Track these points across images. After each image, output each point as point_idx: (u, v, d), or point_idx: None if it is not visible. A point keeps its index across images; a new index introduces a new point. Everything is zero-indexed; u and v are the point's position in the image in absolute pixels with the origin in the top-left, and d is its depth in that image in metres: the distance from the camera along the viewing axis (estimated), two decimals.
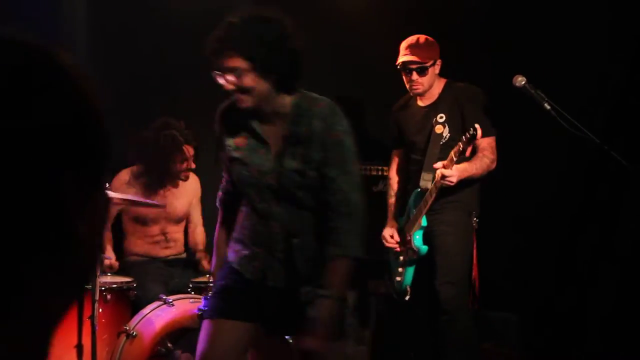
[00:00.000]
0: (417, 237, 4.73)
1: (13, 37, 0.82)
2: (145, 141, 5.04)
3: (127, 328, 4.11)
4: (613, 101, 5.04)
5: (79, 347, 4.05)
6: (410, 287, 4.85)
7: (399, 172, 5.06)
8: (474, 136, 4.25)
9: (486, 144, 4.56)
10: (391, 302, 5.10)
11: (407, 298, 4.86)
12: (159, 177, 5.08)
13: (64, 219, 0.79)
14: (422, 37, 4.74)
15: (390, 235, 4.90)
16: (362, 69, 5.84)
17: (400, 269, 4.88)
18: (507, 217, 5.25)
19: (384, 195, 5.46)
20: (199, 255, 5.18)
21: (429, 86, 4.74)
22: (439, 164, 4.45)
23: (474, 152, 4.55)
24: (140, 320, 4.16)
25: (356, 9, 5.92)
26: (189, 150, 5.07)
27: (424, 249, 4.71)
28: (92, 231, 0.83)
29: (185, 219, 5.32)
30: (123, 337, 4.11)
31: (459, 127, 4.61)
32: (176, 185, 5.16)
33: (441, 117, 4.67)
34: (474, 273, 4.64)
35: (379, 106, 5.89)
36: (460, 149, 4.32)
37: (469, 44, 5.54)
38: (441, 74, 4.81)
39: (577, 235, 5.15)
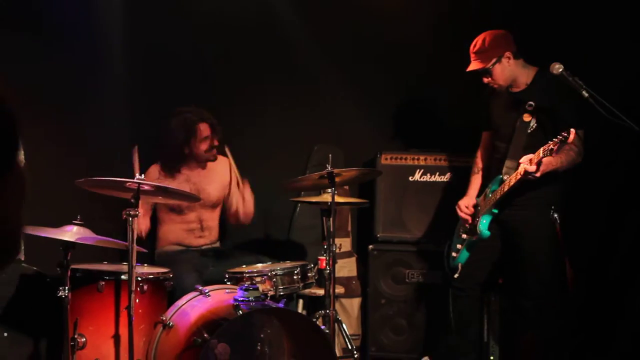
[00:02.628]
0: (484, 221, 4.77)
1: None
2: (164, 133, 5.11)
3: (164, 318, 4.14)
4: None
5: (116, 337, 4.10)
6: (463, 265, 4.91)
7: (485, 152, 5.06)
8: (566, 138, 4.16)
9: (572, 137, 4.39)
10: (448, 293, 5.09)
11: (456, 276, 4.95)
12: (179, 162, 5.13)
13: None
14: (480, 39, 4.73)
15: (465, 205, 4.93)
16: (394, 58, 5.82)
17: (459, 246, 4.96)
18: None
19: (420, 184, 5.47)
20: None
21: (505, 80, 4.72)
22: (524, 159, 4.39)
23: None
24: (177, 310, 4.18)
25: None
26: (205, 129, 5.09)
27: (486, 234, 4.76)
28: (9, 209, 0.86)
29: (220, 205, 5.33)
30: (159, 328, 4.13)
31: (547, 117, 4.58)
32: (204, 167, 5.20)
33: (530, 106, 4.62)
34: (567, 265, 4.55)
35: (410, 98, 5.88)
36: (550, 147, 4.22)
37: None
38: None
39: (616, 225, 5.08)
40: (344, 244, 5.77)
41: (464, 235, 4.94)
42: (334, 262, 4.58)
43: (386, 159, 5.68)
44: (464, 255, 4.92)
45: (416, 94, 5.89)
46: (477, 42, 4.73)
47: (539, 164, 4.33)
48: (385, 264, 5.62)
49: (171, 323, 4.09)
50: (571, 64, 4.21)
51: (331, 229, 4.58)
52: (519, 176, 4.45)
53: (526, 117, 4.63)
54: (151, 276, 4.37)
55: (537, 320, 4.74)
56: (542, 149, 4.28)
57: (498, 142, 4.85)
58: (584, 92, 4.07)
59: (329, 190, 4.56)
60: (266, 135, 5.89)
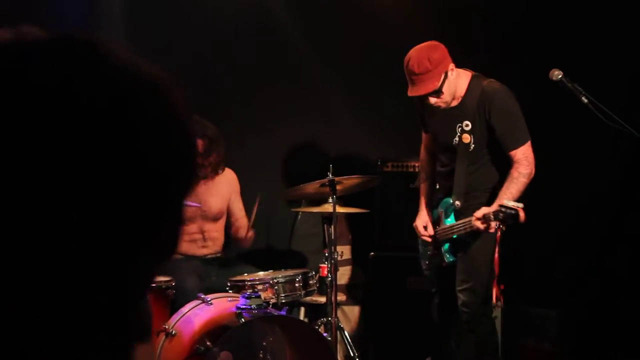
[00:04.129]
0: (447, 248, 4.66)
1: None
2: None
3: (167, 327, 4.14)
4: None
5: None
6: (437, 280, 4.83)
7: (430, 154, 4.83)
8: (515, 217, 4.05)
9: (521, 155, 4.32)
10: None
11: (433, 290, 4.86)
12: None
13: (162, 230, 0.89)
14: (422, 58, 4.28)
15: (423, 226, 4.73)
16: (394, 65, 5.83)
17: (427, 262, 4.85)
18: (546, 213, 5.20)
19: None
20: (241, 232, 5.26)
21: (451, 95, 4.39)
22: (478, 213, 4.23)
23: (504, 163, 4.39)
24: (179, 319, 4.19)
25: (388, 6, 5.90)
26: (199, 144, 5.06)
27: (451, 259, 4.62)
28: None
29: (222, 217, 5.34)
30: (162, 336, 4.14)
31: (485, 137, 4.40)
32: (211, 179, 5.21)
33: (467, 125, 4.40)
34: (495, 275, 4.46)
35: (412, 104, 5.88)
36: (500, 217, 4.09)
37: (505, 38, 5.51)
38: (475, 66, 4.64)
39: (617, 229, 5.09)
40: (345, 251, 5.78)
41: (429, 252, 4.79)
42: (336, 270, 4.59)
43: (387, 166, 5.69)
44: (435, 270, 4.81)
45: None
46: (420, 62, 4.27)
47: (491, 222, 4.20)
48: (385, 270, 5.63)
49: (174, 331, 4.10)
50: (572, 66, 4.22)
51: (332, 237, 4.59)
52: (474, 226, 4.30)
53: (465, 139, 4.42)
54: (153, 284, 4.38)
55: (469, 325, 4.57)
56: (492, 211, 4.13)
57: (440, 153, 4.66)
58: (583, 99, 4.08)
59: (330, 200, 4.59)
60: (267, 143, 5.90)
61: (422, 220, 4.76)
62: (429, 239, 4.72)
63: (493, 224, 4.19)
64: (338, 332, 4.63)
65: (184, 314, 4.21)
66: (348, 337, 4.84)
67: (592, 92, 4.07)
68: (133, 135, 0.83)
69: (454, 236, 4.55)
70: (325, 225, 4.70)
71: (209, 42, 5.78)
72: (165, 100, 0.89)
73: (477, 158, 4.46)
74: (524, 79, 5.13)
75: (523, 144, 4.33)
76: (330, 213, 4.59)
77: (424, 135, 4.85)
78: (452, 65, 4.33)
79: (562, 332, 5.18)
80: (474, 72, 4.48)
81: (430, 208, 4.80)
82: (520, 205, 4.06)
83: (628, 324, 4.96)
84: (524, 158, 4.32)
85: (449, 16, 5.69)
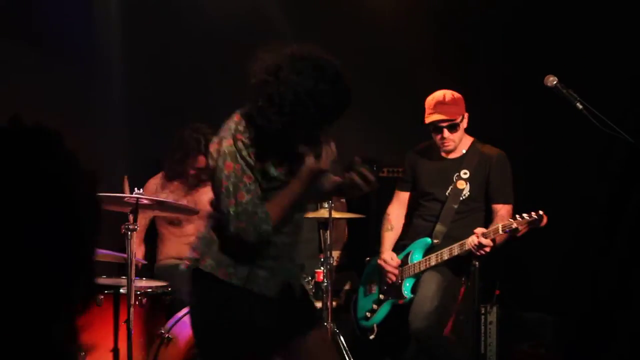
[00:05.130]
0: (408, 284, 4.73)
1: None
2: (174, 139, 5.13)
3: (163, 331, 4.15)
4: None
5: (115, 351, 4.10)
6: (378, 326, 4.85)
7: (399, 211, 5.01)
8: (537, 221, 4.20)
9: (505, 212, 4.57)
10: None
11: (371, 337, 4.87)
12: (174, 174, 5.14)
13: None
14: (448, 93, 4.71)
15: (391, 257, 4.81)
16: (391, 71, 5.84)
17: (375, 306, 4.88)
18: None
19: None
20: None
21: (459, 141, 4.75)
22: (479, 230, 4.36)
23: (489, 217, 4.61)
24: (175, 323, 4.19)
25: (385, 9, 5.91)
26: (202, 161, 5.04)
27: (410, 296, 4.68)
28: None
29: None
30: (158, 341, 4.15)
31: (482, 188, 4.68)
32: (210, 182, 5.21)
33: (465, 173, 4.70)
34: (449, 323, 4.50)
35: (408, 109, 5.89)
36: (514, 227, 4.23)
37: (499, 44, 5.52)
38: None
39: (612, 235, 5.10)
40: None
41: (382, 296, 4.86)
42: (332, 275, 4.59)
43: (382, 171, 5.69)
44: (381, 315, 4.85)
45: (415, 107, 5.91)
46: (445, 95, 4.70)
47: (494, 240, 4.33)
48: None
49: (170, 336, 4.11)
50: (567, 71, 4.23)
51: (328, 242, 4.60)
52: (466, 247, 4.39)
53: (460, 185, 4.69)
54: (150, 290, 4.39)
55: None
56: (501, 225, 4.29)
57: (426, 202, 4.81)
58: (578, 105, 4.08)
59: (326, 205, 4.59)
60: None
61: (388, 254, 4.85)
62: (395, 271, 4.77)
63: (498, 239, 4.36)
64: (334, 337, 4.63)
65: (180, 319, 4.21)
66: (344, 343, 4.84)
67: (587, 98, 4.08)
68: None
69: (431, 265, 4.61)
70: (321, 230, 4.70)
71: (207, 43, 5.77)
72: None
73: (466, 206, 4.68)
74: (523, 82, 5.15)
75: (509, 203, 4.64)
76: (326, 218, 4.60)
77: (401, 194, 5.03)
78: (467, 115, 4.73)
79: (558, 337, 5.18)
80: (474, 139, 4.81)
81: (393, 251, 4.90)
82: (540, 212, 4.23)
83: (623, 329, 4.97)
84: (507, 215, 4.53)
85: (448, 19, 5.70)
